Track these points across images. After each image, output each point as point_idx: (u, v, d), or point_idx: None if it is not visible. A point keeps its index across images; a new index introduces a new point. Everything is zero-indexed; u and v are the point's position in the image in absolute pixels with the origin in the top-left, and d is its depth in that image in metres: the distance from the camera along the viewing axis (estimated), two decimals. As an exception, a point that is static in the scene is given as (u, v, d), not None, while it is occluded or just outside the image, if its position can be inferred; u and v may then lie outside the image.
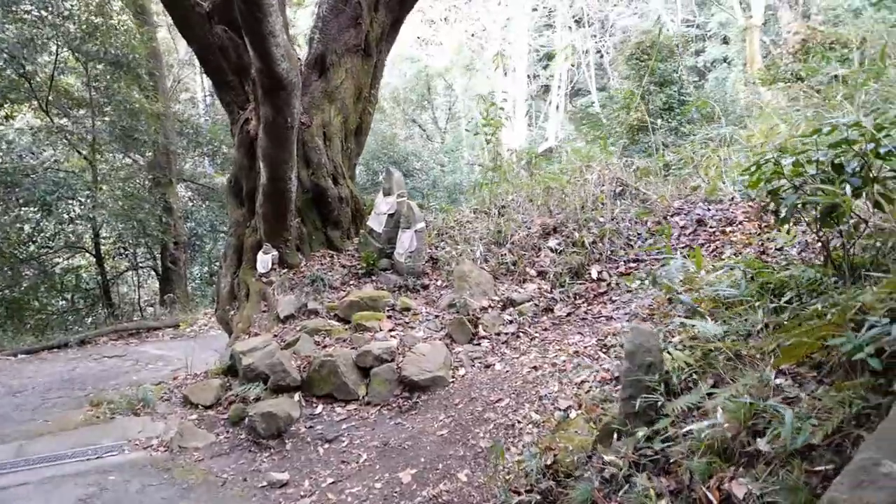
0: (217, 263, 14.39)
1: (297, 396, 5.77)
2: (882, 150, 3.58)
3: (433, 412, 5.27)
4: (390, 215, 8.12)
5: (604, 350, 5.29)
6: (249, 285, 7.97)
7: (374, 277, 7.89)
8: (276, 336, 6.77)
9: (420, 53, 29.06)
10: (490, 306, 6.85)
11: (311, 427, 5.39)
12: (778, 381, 3.10)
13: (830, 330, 2.87)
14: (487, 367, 5.88)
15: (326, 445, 5.09)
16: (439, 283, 7.60)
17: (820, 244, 4.53)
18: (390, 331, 6.52)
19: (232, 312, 8.34)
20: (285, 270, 7.98)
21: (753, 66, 17.07)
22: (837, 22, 13.28)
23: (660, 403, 3.41)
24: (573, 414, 4.39)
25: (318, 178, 8.56)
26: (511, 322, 6.61)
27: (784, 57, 12.72)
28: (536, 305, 6.80)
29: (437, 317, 6.87)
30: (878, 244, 3.88)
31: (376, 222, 8.34)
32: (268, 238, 7.89)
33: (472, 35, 29.55)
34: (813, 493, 2.36)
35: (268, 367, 5.91)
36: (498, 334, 6.46)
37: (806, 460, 2.51)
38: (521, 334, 6.39)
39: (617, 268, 6.79)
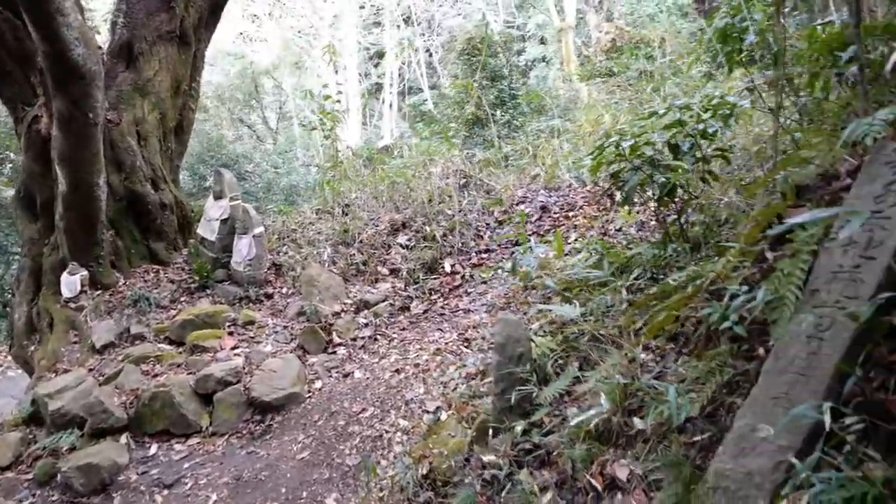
0: (9, 291, 12.15)
1: (123, 439, 4.91)
2: (710, 130, 3.82)
3: (291, 434, 4.78)
4: (223, 221, 7.36)
5: (466, 344, 5.18)
6: (53, 313, 6.72)
7: (210, 291, 7.08)
8: (91, 370, 5.76)
9: (244, 49, 27.35)
10: (343, 311, 6.46)
11: (144, 473, 4.61)
12: (642, 356, 3.15)
13: (689, 302, 2.95)
14: (346, 375, 5.50)
15: (166, 492, 4.37)
16: (285, 290, 7.02)
17: (656, 222, 4.82)
18: (233, 349, 5.85)
19: (32, 348, 6.99)
20: (99, 292, 6.85)
21: (570, 64, 18.26)
22: (637, 24, 14.65)
23: (534, 394, 3.31)
24: (444, 415, 4.19)
25: (132, 182, 7.48)
26: (367, 325, 6.29)
27: (597, 55, 13.78)
28: (392, 305, 6.54)
29: (285, 327, 6.32)
30: (706, 219, 4.16)
31: (208, 230, 7.51)
32: (73, 256, 6.71)
33: (300, 32, 28.50)
34: (694, 466, 2.36)
35: (83, 409, 4.97)
36: (354, 339, 6.10)
37: (683, 433, 2.52)
38: (378, 337, 6.10)
39: (469, 259, 6.77)
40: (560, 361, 3.77)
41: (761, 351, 2.33)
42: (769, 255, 2.63)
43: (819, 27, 3.62)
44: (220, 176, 7.67)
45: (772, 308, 2.29)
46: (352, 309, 6.49)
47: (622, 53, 12.34)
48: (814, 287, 2.21)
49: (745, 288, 2.45)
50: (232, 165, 15.47)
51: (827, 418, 1.87)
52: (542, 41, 24.16)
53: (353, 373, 5.50)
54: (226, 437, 4.96)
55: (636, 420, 2.71)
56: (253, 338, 6.11)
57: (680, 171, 3.70)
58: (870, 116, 2.30)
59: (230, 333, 6.12)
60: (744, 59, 4.28)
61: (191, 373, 5.45)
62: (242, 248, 7.05)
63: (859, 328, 2.02)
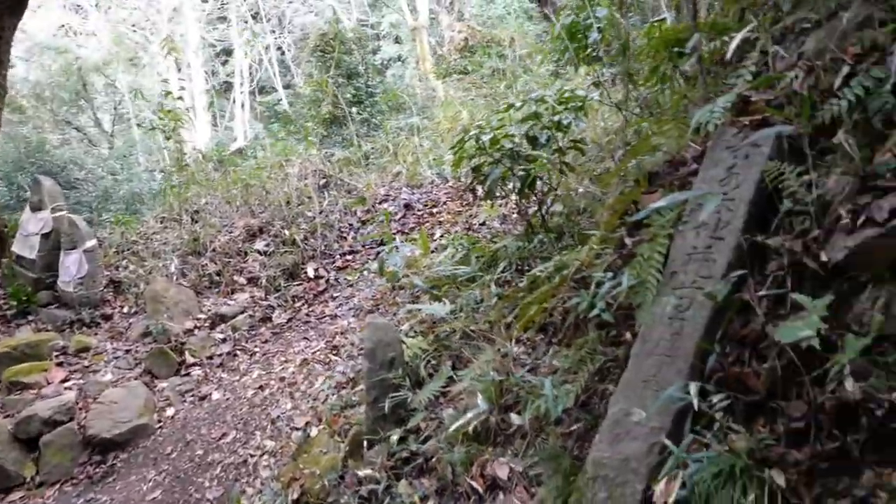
0: None
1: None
2: (565, 122, 3.91)
3: (139, 472, 4.22)
4: (45, 235, 6.40)
5: (334, 352, 4.92)
6: None
7: (32, 317, 6.13)
8: None
9: (68, 44, 24.39)
10: (196, 327, 5.88)
11: (-49, 543, 3.83)
12: (515, 350, 3.12)
13: (556, 292, 2.96)
14: (203, 398, 5.00)
15: (-20, 562, 3.65)
16: (127, 309, 6.27)
17: (518, 214, 4.89)
18: (63, 381, 5.08)
19: None
20: None
21: (426, 62, 18.41)
22: (487, 24, 15.09)
23: (409, 399, 3.17)
24: (314, 431, 3.91)
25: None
26: (224, 340, 5.78)
27: (452, 53, 13.99)
28: (252, 316, 6.08)
29: (128, 351, 5.62)
30: (565, 209, 4.27)
31: (25, 246, 6.50)
32: None
33: (134, 26, 26.01)
34: (573, 457, 2.35)
35: None
36: (211, 358, 5.57)
37: (559, 424, 2.50)
38: (238, 352, 5.62)
39: (334, 262, 6.48)
40: (433, 362, 3.67)
41: (629, 335, 2.37)
42: (628, 240, 2.70)
43: (655, 25, 3.82)
44: (38, 185, 6.68)
45: (635, 292, 2.33)
46: (206, 324, 5.94)
47: (475, 52, 12.62)
48: (672, 269, 2.28)
49: (609, 274, 2.47)
50: (59, 173, 13.65)
51: (695, 398, 1.91)
52: (398, 40, 24.17)
53: (210, 395, 5.00)
54: (58, 485, 4.26)
55: (513, 416, 2.66)
56: (88, 367, 5.35)
57: (539, 162, 3.74)
58: (710, 104, 2.42)
59: (59, 364, 5.31)
60: (589, 56, 4.46)
61: (8, 415, 4.64)
62: (71, 265, 6.18)
63: (716, 307, 2.10)
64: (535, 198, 4.12)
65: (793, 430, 1.89)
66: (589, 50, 4.35)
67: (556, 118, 3.91)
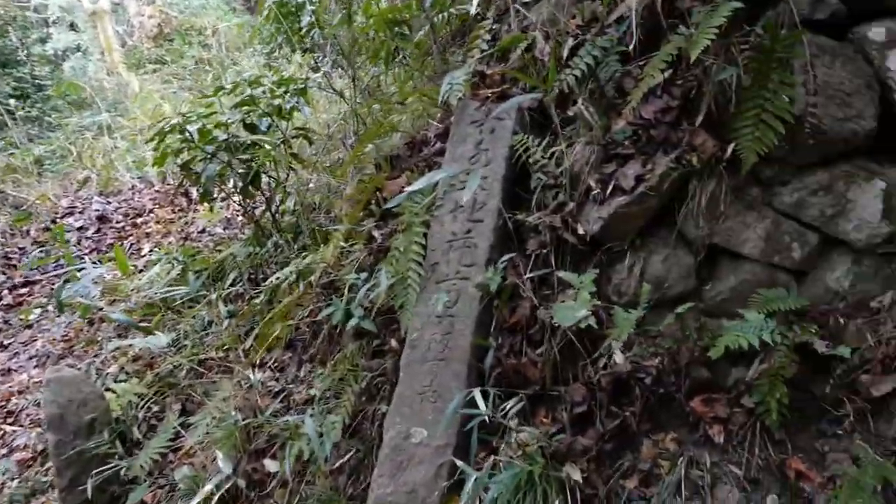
0: None
1: None
2: (287, 107, 3.44)
3: None
4: None
5: (10, 419, 3.68)
6: None
7: None
8: None
9: None
10: None
11: None
12: (259, 377, 2.58)
13: (302, 302, 2.51)
14: None
15: None
16: None
17: (244, 216, 4.25)
18: None
19: None
20: None
21: (112, 52, 15.94)
22: (186, 12, 13.60)
23: (124, 470, 2.40)
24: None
25: None
26: None
27: (144, 42, 12.22)
28: None
29: None
30: (297, 206, 3.81)
31: None
32: None
33: None
34: (349, 498, 1.95)
35: None
36: None
37: (326, 461, 2.07)
38: None
39: (1, 300, 4.95)
40: (155, 408, 2.91)
41: (394, 343, 2.05)
42: (377, 233, 2.38)
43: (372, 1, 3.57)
44: None
45: (395, 293, 2.02)
46: None
47: (173, 40, 11.20)
48: (433, 260, 2.02)
49: (363, 275, 2.13)
50: None
51: (481, 404, 1.67)
52: (73, 27, 20.49)
53: None
54: None
55: (268, 463, 2.15)
56: None
57: (262, 151, 3.21)
58: (448, 77, 2.22)
59: None
60: (303, 40, 4.05)
61: None
62: None
63: (484, 297, 1.90)
64: (261, 196, 3.57)
65: (576, 417, 1.79)
66: (303, 32, 3.93)
67: (276, 102, 3.42)
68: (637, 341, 1.85)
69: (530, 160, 2.02)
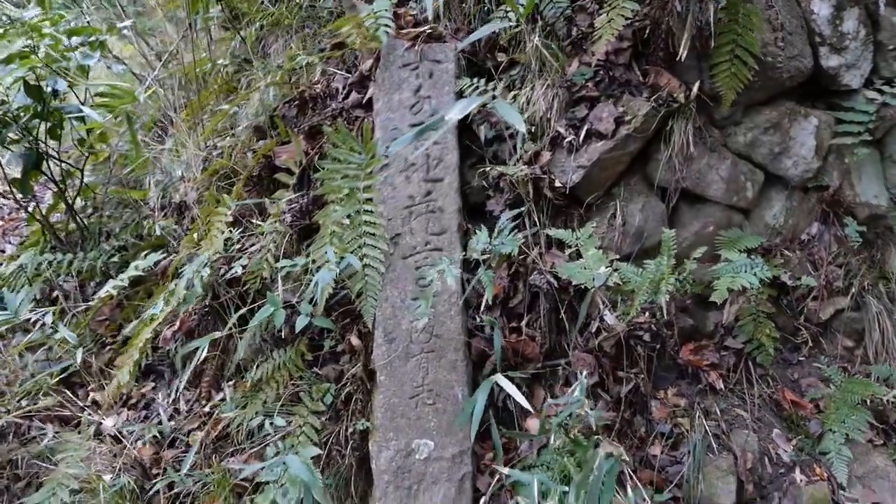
0: None
1: None
2: (85, 64, 2.62)
3: None
4: None
5: None
6: None
7: None
8: None
9: None
10: None
11: None
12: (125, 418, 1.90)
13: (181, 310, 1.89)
14: None
15: None
16: None
17: (26, 215, 3.18)
18: None
19: None
20: None
21: None
22: None
23: None
24: None
25: None
26: None
27: None
28: None
29: None
30: (102, 197, 2.98)
31: None
32: None
33: None
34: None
35: None
36: None
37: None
38: None
39: None
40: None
41: (354, 340, 1.61)
42: (287, 208, 1.87)
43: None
44: None
45: (359, 293, 1.58)
46: None
47: None
48: (394, 231, 1.63)
49: (288, 262, 1.64)
50: None
51: (512, 390, 1.37)
52: None
53: None
54: None
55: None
56: None
57: (56, 115, 2.39)
58: (368, 10, 1.82)
59: None
60: None
61: None
62: None
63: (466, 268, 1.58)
64: (62, 193, 2.69)
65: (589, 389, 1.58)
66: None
67: (66, 63, 2.59)
68: (618, 299, 1.71)
69: (479, 108, 1.74)
